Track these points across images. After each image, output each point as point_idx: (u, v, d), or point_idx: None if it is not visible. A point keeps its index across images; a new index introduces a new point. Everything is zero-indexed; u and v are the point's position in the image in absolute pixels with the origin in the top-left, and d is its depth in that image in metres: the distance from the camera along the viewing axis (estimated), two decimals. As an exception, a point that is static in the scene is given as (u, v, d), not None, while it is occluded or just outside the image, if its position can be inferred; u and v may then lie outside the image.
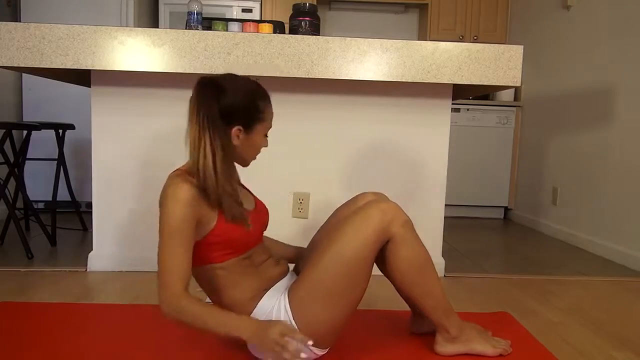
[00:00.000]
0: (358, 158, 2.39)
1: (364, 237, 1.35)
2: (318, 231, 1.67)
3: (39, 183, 3.73)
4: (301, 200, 2.38)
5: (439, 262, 2.45)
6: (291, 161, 2.38)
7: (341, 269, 1.34)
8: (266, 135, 1.44)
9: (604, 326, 1.85)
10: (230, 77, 1.37)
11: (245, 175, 2.31)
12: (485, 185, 4.23)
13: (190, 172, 1.31)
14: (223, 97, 1.32)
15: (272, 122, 1.46)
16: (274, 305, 1.38)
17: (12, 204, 2.77)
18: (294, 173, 2.39)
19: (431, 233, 2.43)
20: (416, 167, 2.40)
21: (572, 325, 1.85)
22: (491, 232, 3.69)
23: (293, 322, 1.34)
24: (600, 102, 3.11)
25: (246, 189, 1.59)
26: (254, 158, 1.46)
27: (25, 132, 2.82)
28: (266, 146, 1.45)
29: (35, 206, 3.79)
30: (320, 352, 1.40)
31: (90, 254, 2.39)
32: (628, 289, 2.33)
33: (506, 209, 4.34)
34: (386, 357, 1.53)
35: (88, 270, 2.37)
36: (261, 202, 1.57)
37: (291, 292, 1.38)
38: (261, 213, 1.53)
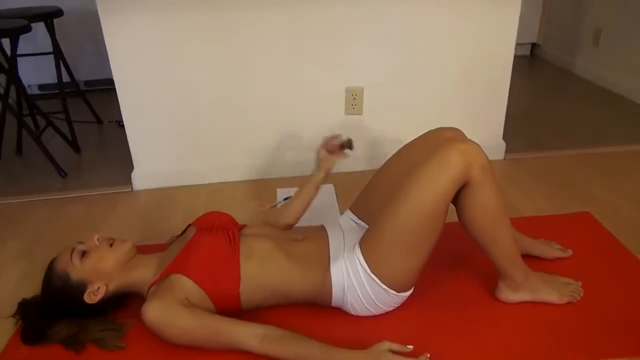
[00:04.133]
0: (414, 50, 2.10)
1: (443, 185, 1.23)
2: (386, 166, 1.53)
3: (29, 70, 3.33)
4: (354, 96, 2.15)
5: (500, 144, 2.35)
6: (342, 55, 2.08)
7: (420, 221, 1.25)
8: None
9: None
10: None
11: (296, 72, 2.05)
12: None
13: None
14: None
15: None
16: (345, 268, 1.31)
17: (18, 113, 2.49)
18: (345, 67, 2.11)
19: (495, 117, 2.28)
20: (479, 51, 2.13)
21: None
22: (518, 73, 3.40)
23: (373, 277, 1.29)
24: None
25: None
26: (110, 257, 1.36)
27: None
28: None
29: (30, 91, 3.45)
30: (407, 294, 1.37)
31: (133, 173, 2.22)
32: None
33: (533, 45, 4.07)
34: (445, 300, 1.48)
35: (134, 189, 2.23)
36: (207, 214, 1.52)
37: (366, 249, 1.30)
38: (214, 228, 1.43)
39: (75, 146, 2.65)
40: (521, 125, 2.69)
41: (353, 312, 1.37)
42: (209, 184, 2.25)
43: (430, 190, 1.23)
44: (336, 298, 1.35)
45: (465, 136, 1.49)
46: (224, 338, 1.23)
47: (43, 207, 2.13)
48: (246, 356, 1.23)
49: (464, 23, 2.08)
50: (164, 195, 2.18)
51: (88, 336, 1.34)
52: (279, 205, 2.03)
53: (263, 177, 2.27)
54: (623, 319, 1.37)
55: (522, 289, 1.41)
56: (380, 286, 1.29)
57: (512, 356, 1.27)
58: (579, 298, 1.44)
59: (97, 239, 1.37)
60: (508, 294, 1.42)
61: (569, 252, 1.62)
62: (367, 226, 1.47)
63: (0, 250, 1.84)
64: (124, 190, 2.23)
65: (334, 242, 1.40)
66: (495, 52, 2.14)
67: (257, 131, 2.19)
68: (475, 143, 1.27)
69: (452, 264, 1.62)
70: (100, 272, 1.33)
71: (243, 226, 1.50)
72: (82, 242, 1.38)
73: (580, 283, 1.48)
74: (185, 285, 1.26)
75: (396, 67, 2.12)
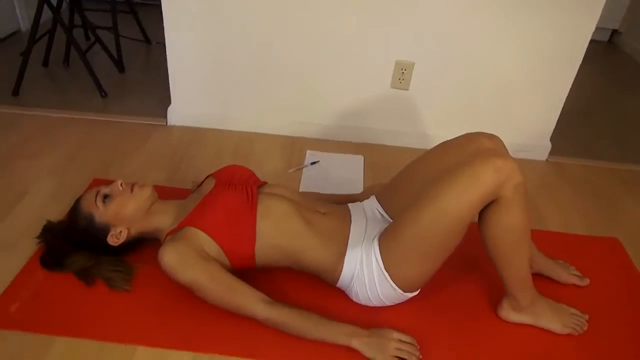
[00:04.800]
0: (474, 29, 1.96)
1: (471, 199, 1.19)
2: (418, 163, 1.47)
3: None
4: (403, 70, 2.06)
5: (544, 145, 2.23)
6: (399, 26, 1.97)
7: (441, 230, 1.23)
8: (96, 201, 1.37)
9: None
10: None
11: (347, 35, 1.96)
12: None
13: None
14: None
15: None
16: (360, 260, 1.32)
17: (69, 24, 2.50)
18: (400, 40, 2.00)
19: (548, 113, 2.16)
20: (547, 38, 1.97)
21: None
22: (588, 60, 3.12)
23: (385, 274, 1.29)
24: None
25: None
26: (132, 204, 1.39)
27: None
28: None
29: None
30: (413, 295, 1.37)
31: (169, 108, 2.23)
32: None
33: (614, 32, 3.75)
34: (446, 304, 1.47)
35: (168, 124, 2.25)
36: (229, 167, 1.53)
37: (384, 245, 1.29)
38: (235, 178, 1.45)
39: (120, 65, 2.66)
40: (576, 124, 2.51)
41: (354, 299, 1.39)
42: (240, 131, 2.24)
43: (457, 201, 1.19)
44: (342, 282, 1.36)
45: (505, 149, 1.42)
46: (233, 295, 1.26)
47: (80, 126, 2.18)
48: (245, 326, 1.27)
49: (536, 2, 1.91)
50: (196, 135, 2.19)
51: (99, 272, 1.41)
52: (304, 169, 2.02)
53: (295, 134, 2.25)
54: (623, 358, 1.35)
55: (525, 312, 1.39)
56: (390, 284, 1.29)
57: (498, 380, 1.28)
58: (581, 332, 1.41)
59: (121, 185, 1.40)
60: (509, 314, 1.40)
61: (586, 282, 1.57)
62: (388, 218, 1.46)
63: (33, 164, 1.91)
64: (158, 123, 2.25)
65: (356, 228, 1.39)
66: (565, 41, 1.97)
67: (296, 87, 2.14)
68: (513, 160, 1.21)
69: (463, 265, 1.59)
70: (123, 217, 1.38)
71: (263, 183, 1.50)
72: (106, 185, 1.41)
73: (587, 317, 1.44)
74: (201, 238, 1.29)
75: (452, 47, 2.00)
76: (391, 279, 1.29)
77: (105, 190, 1.39)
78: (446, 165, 1.32)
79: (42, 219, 1.58)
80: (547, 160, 2.25)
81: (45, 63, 2.65)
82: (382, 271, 1.29)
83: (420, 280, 1.33)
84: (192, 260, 1.25)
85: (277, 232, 1.33)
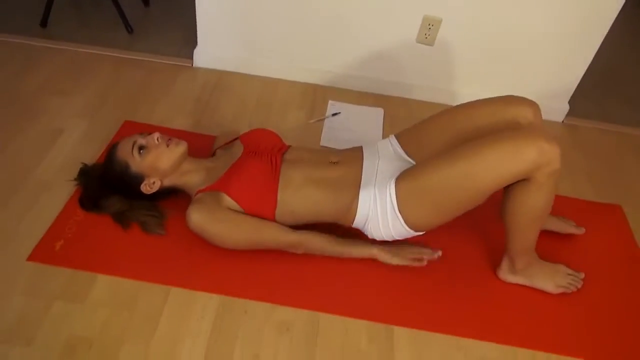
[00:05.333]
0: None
1: (507, 171, 1.23)
2: (451, 114, 1.48)
3: None
4: (430, 26, 2.05)
5: (562, 107, 2.25)
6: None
7: (465, 191, 1.29)
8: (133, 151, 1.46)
9: None
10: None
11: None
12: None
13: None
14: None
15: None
16: (373, 198, 1.38)
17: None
18: (428, -6, 1.98)
19: (570, 73, 2.17)
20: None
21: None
22: (622, 15, 3.10)
23: (398, 215, 1.36)
24: None
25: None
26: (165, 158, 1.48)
27: None
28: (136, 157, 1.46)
29: None
30: (420, 234, 1.45)
31: (196, 51, 2.25)
32: None
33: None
34: (455, 268, 1.58)
35: (194, 66, 2.29)
36: (256, 132, 1.61)
37: (402, 188, 1.34)
38: (262, 141, 1.55)
39: (145, -1, 2.65)
40: (598, 85, 2.49)
41: (369, 236, 1.48)
42: (265, 77, 2.28)
43: (491, 171, 1.24)
44: (357, 224, 1.45)
45: (544, 128, 1.42)
46: (262, 232, 1.42)
47: (107, 63, 2.23)
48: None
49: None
50: (221, 79, 2.23)
51: (135, 216, 1.53)
52: (326, 119, 2.08)
53: (319, 83, 2.28)
54: (610, 318, 1.47)
55: (520, 274, 1.50)
56: (402, 224, 1.38)
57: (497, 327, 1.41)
58: (574, 289, 1.51)
59: (157, 139, 1.47)
60: (506, 275, 1.52)
61: (582, 230, 1.67)
62: (407, 157, 1.49)
63: (65, 102, 1.98)
64: (184, 64, 2.28)
65: (367, 166, 1.45)
66: (597, 3, 1.94)
67: (322, 36, 2.14)
68: (557, 145, 1.23)
69: (473, 224, 1.68)
70: (157, 169, 1.47)
71: (287, 148, 1.57)
72: (143, 136, 1.49)
73: (582, 275, 1.54)
74: (227, 201, 1.40)
75: (481, 5, 1.98)
76: (404, 220, 1.37)
77: (142, 141, 1.47)
78: (482, 124, 1.38)
79: (76, 160, 1.69)
80: (562, 122, 2.28)
81: (70, -9, 2.64)
82: (395, 211, 1.36)
83: (429, 226, 1.40)
84: (218, 214, 1.38)
85: (295, 200, 1.43)
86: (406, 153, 1.50)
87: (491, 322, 1.43)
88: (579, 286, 1.52)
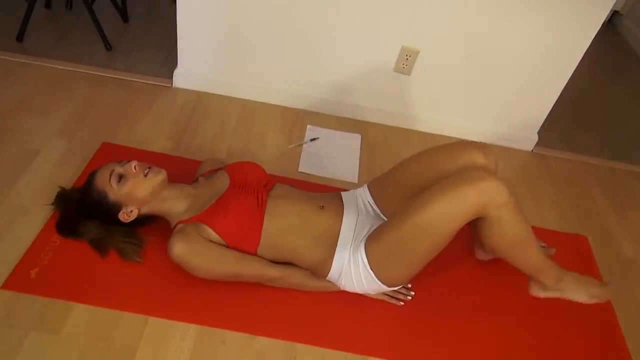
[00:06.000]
0: (482, 25, 2.00)
1: (455, 217, 1.30)
2: (410, 163, 1.56)
3: None
4: (408, 57, 2.11)
5: (531, 137, 2.34)
6: (410, 11, 1.99)
7: (425, 240, 1.35)
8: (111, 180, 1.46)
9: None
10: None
11: (356, 14, 1.98)
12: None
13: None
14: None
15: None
16: (347, 259, 1.44)
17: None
18: (408, 25, 2.04)
19: (539, 106, 2.25)
20: (551, 33, 2.03)
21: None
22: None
23: (371, 273, 1.42)
24: None
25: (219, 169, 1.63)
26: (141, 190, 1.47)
27: None
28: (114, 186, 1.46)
29: None
30: (397, 288, 1.52)
31: (176, 71, 2.26)
32: None
33: (615, 13, 3.75)
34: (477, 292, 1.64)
35: (173, 86, 2.29)
36: (243, 165, 1.63)
37: (370, 248, 1.41)
38: (249, 174, 1.57)
39: (124, 15, 2.63)
40: (564, 114, 2.58)
41: (342, 288, 1.53)
42: (245, 99, 2.30)
43: (445, 217, 1.31)
44: (331, 277, 1.50)
45: (494, 164, 1.50)
46: (244, 265, 1.44)
47: (85, 81, 2.21)
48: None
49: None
50: (201, 100, 2.24)
51: (112, 242, 1.52)
52: (304, 144, 2.11)
53: (298, 107, 2.31)
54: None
55: (551, 290, 1.50)
56: (375, 280, 1.44)
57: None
58: (606, 300, 1.52)
59: (135, 167, 1.48)
60: (538, 292, 1.52)
61: (553, 251, 1.73)
62: (380, 214, 1.57)
63: (42, 122, 1.96)
64: (164, 85, 2.28)
65: (347, 224, 1.50)
66: (568, 40, 2.03)
67: (302, 61, 2.18)
68: (498, 181, 1.29)
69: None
70: (134, 198, 1.47)
71: (273, 185, 1.59)
72: (121, 165, 1.49)
73: (611, 285, 1.56)
74: (210, 234, 1.42)
75: (457, 38, 2.05)
76: (376, 277, 1.43)
77: (119, 170, 1.47)
78: (437, 173, 1.45)
79: (53, 183, 1.68)
80: (532, 151, 2.37)
81: (48, 4, 2.61)
82: (368, 270, 1.42)
83: (404, 278, 1.47)
84: (201, 247, 1.39)
85: (278, 236, 1.46)
86: (378, 207, 1.57)
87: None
88: (608, 297, 1.54)
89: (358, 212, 1.55)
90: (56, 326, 1.34)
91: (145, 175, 1.48)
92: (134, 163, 1.49)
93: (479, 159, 1.48)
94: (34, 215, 1.60)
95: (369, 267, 1.42)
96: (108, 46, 2.40)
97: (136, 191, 1.47)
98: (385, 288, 1.47)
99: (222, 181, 1.55)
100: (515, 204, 1.33)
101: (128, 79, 2.27)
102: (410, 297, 1.55)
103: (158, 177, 1.49)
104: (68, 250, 1.52)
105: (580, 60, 2.09)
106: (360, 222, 1.52)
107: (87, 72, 2.26)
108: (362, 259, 1.43)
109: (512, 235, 1.37)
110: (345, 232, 1.49)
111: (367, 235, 1.46)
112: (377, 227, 1.46)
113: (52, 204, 1.60)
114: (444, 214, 1.30)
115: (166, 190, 1.52)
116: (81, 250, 1.52)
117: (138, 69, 2.32)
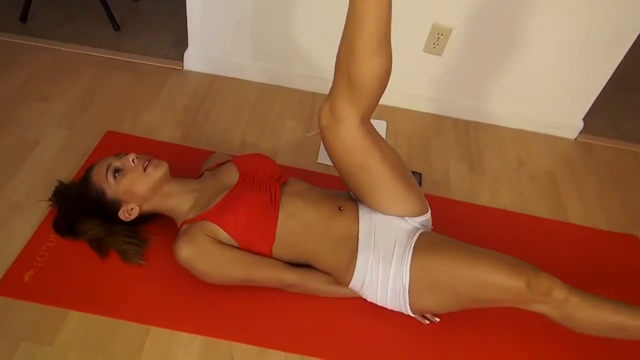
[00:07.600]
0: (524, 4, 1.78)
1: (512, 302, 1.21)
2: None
3: None
4: (439, 35, 1.91)
5: (576, 123, 2.13)
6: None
7: (476, 298, 1.23)
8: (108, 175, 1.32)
9: None
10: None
11: None
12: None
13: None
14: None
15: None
16: (370, 268, 1.27)
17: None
18: (440, 1, 1.84)
19: (587, 91, 2.04)
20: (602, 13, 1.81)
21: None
22: None
23: (405, 298, 1.26)
24: None
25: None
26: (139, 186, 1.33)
27: None
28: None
29: None
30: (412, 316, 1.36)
31: (186, 53, 2.10)
32: None
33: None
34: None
35: (184, 69, 2.14)
36: (252, 157, 1.47)
37: (415, 273, 1.24)
38: (259, 166, 1.41)
39: (134, -8, 2.49)
40: (612, 100, 2.34)
41: (364, 297, 1.36)
42: (261, 82, 2.14)
43: (501, 297, 1.21)
44: (353, 286, 1.33)
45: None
46: (258, 269, 1.29)
47: (91, 64, 2.07)
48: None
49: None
50: (213, 84, 2.09)
51: (113, 243, 1.39)
52: (324, 133, 1.94)
53: (318, 91, 2.14)
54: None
55: None
56: (403, 304, 1.28)
57: None
58: None
59: (133, 160, 1.34)
60: None
61: None
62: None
63: (43, 110, 1.83)
64: (174, 67, 2.13)
65: (364, 226, 1.33)
66: (619, 21, 1.81)
67: (323, 40, 1.99)
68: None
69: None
70: (134, 194, 1.34)
71: (286, 180, 1.43)
72: (118, 158, 1.35)
73: None
74: (219, 235, 1.28)
75: (494, 15, 1.84)
76: (408, 301, 1.27)
77: (116, 163, 1.33)
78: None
79: (52, 176, 1.56)
80: (576, 139, 2.16)
81: (54, -18, 2.47)
82: (403, 292, 1.26)
83: (432, 312, 1.35)
84: (210, 250, 1.25)
85: (294, 237, 1.31)
86: None
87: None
88: None
89: (372, 211, 1.36)
90: (49, 336, 1.22)
91: (145, 169, 1.34)
92: (131, 156, 1.34)
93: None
94: (30, 212, 1.48)
95: (407, 291, 1.25)
96: (116, 26, 2.26)
97: (135, 187, 1.33)
98: (408, 312, 1.30)
99: (231, 175, 1.40)
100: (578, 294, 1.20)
101: (136, 61, 2.13)
102: (436, 321, 1.37)
103: (158, 170, 1.35)
104: (65, 251, 1.40)
105: (633, 45, 1.87)
106: (378, 225, 1.33)
107: (93, 54, 2.12)
108: (402, 280, 1.25)
109: (598, 323, 1.22)
110: (364, 236, 1.32)
111: (408, 252, 1.26)
112: (429, 250, 1.26)
113: (49, 199, 1.48)
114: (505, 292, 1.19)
115: (168, 185, 1.37)
116: (79, 251, 1.40)
117: (147, 51, 2.17)
